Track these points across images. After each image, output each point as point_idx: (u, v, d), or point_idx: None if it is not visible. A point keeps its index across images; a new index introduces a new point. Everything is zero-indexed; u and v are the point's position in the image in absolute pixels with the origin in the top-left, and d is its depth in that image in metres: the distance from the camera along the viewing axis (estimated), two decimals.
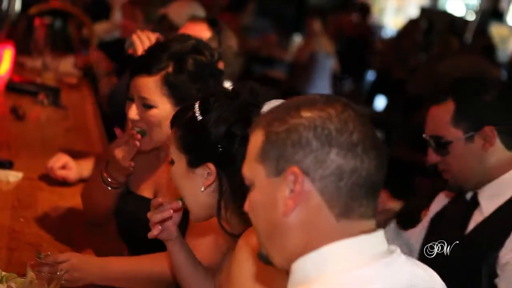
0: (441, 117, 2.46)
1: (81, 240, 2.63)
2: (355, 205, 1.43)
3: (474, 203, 2.51)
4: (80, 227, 2.73)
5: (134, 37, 2.82)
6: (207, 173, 1.97)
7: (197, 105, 2.00)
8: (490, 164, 2.45)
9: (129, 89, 2.52)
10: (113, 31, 6.08)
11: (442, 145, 2.45)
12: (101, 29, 6.25)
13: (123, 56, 4.89)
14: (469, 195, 2.54)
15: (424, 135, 2.50)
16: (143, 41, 2.78)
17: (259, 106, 1.95)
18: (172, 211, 2.05)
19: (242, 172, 1.52)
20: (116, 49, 5.61)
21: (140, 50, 2.72)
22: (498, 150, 2.45)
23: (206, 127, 1.97)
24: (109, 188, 2.56)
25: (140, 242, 2.37)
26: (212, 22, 3.24)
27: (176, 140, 2.02)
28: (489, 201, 2.46)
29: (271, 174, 1.45)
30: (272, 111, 1.51)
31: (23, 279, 2.03)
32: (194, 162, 1.99)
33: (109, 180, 2.55)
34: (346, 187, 1.42)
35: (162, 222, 2.06)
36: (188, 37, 2.57)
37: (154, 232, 2.05)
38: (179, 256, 2.12)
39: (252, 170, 1.49)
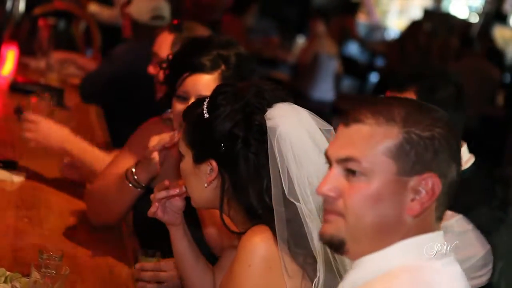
0: None
1: (85, 240, 2.63)
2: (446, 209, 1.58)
3: None
4: (84, 227, 2.73)
5: None
6: (209, 170, 1.99)
7: (206, 102, 2.03)
8: None
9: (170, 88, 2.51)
10: (117, 20, 6.08)
11: None
12: (105, 14, 6.26)
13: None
14: None
15: None
16: None
17: (263, 109, 1.97)
18: (177, 190, 2.10)
19: (352, 156, 1.52)
20: (112, 35, 5.63)
21: None
22: None
23: (211, 125, 1.99)
24: (130, 185, 2.52)
25: (160, 242, 2.38)
26: (173, 27, 3.20)
27: (185, 134, 2.05)
28: None
29: (403, 173, 1.50)
30: (395, 109, 1.54)
31: (28, 279, 2.03)
32: (198, 158, 2.02)
33: (135, 177, 2.52)
34: (450, 194, 1.55)
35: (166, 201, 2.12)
36: (214, 34, 2.60)
37: (153, 208, 2.11)
38: (181, 243, 2.15)
39: (376, 161, 1.51)
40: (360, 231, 1.52)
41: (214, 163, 1.99)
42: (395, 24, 13.24)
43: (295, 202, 1.88)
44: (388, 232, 1.52)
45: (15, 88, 4.49)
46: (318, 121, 1.99)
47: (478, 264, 2.45)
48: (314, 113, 2.02)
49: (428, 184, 1.50)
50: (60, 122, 3.12)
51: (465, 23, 10.78)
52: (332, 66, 8.51)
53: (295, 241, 1.88)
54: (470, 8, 12.60)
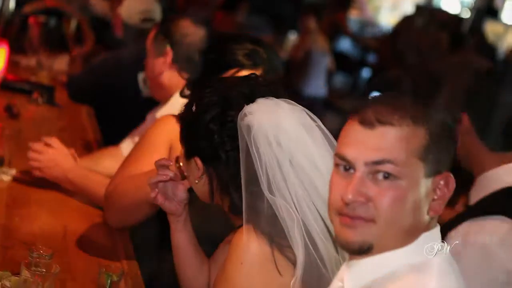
0: None
1: (75, 239, 2.62)
2: None
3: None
4: (74, 226, 2.73)
5: None
6: (196, 167, 2.01)
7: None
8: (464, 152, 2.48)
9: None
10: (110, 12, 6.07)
11: None
12: (102, 8, 6.25)
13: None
14: None
15: None
16: None
17: (240, 104, 1.95)
18: (168, 174, 2.07)
19: (388, 159, 1.51)
20: (102, 29, 5.63)
21: None
22: (474, 143, 2.46)
23: (195, 119, 2.00)
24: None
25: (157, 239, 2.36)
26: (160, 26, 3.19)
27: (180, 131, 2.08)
28: (475, 195, 2.49)
29: (427, 174, 1.52)
30: (413, 108, 1.54)
31: (18, 278, 2.02)
32: (187, 155, 2.04)
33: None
34: None
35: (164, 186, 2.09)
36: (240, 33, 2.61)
37: (152, 194, 2.09)
38: (179, 235, 2.13)
39: (409, 163, 1.51)
40: (390, 233, 1.52)
41: (198, 161, 2.00)
42: (387, 19, 13.24)
43: (270, 199, 1.86)
44: (412, 232, 1.53)
45: (5, 86, 4.47)
46: (306, 116, 1.97)
47: (501, 280, 2.32)
48: (307, 109, 2.01)
49: (445, 183, 1.53)
50: (51, 120, 3.11)
51: (456, 19, 10.78)
52: (324, 62, 8.51)
53: (281, 236, 1.87)
54: (461, 3, 12.61)
